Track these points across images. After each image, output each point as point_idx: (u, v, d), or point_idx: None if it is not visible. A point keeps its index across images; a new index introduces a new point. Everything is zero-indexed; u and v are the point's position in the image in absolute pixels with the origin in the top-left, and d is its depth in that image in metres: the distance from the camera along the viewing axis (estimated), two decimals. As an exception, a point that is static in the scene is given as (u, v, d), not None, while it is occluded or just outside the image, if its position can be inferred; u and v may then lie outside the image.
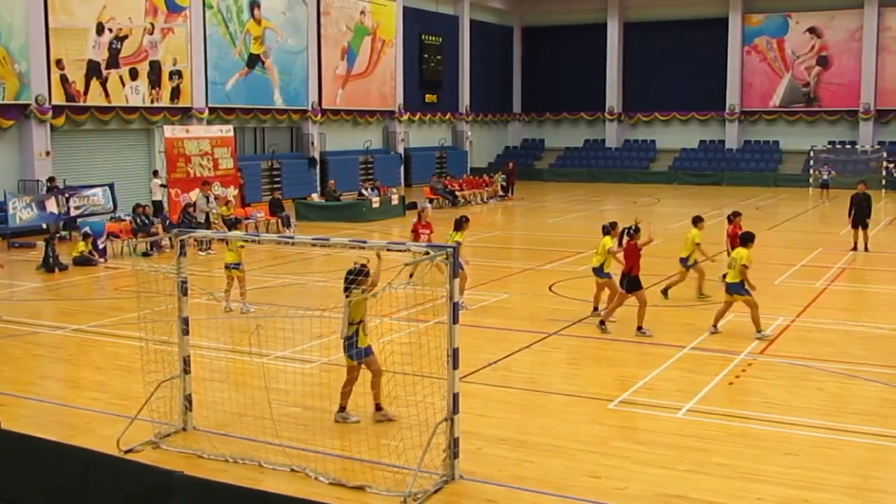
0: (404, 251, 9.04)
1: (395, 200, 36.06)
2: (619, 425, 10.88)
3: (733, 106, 54.88)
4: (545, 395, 12.12)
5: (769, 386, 12.46)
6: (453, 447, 9.02)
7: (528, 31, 61.03)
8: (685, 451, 9.93)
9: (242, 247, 17.25)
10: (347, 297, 10.16)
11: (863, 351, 14.13)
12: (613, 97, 57.95)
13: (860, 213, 25.44)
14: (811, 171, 48.92)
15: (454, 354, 8.87)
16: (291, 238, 11.64)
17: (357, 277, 10.27)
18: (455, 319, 8.80)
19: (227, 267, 17.33)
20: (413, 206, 37.99)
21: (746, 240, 15.19)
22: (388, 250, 9.51)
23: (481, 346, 14.43)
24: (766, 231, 30.72)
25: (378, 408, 10.71)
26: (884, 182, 46.86)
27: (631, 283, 15.36)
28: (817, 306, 17.72)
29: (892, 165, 47.89)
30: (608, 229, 16.56)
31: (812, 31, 53.25)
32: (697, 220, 18.34)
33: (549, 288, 19.74)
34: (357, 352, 10.41)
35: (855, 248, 24.82)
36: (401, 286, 9.24)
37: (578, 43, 58.10)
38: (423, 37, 51.65)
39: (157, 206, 30.35)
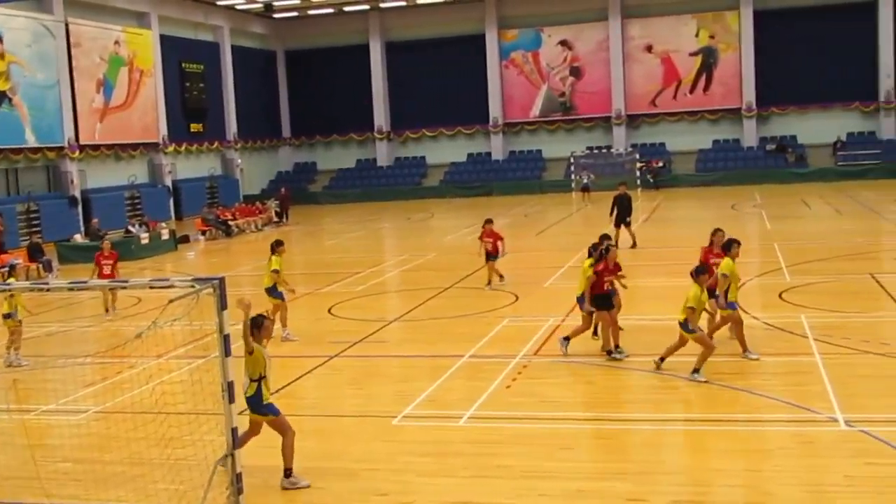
0: (168, 287, 8.77)
1: (165, 235, 34.93)
2: (404, 440, 10.98)
3: (496, 119, 56.87)
4: (331, 419, 12.07)
5: (544, 385, 12.95)
6: (237, 483, 8.81)
7: (291, 55, 60.84)
8: (469, 458, 10.15)
9: (12, 295, 15.99)
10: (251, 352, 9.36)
11: (630, 343, 14.90)
12: (381, 116, 58.69)
13: (622, 213, 27.02)
14: (573, 177, 51.42)
15: (229, 388, 8.68)
16: (46, 284, 11.01)
17: (252, 329, 9.30)
18: (227, 352, 8.61)
19: (3, 317, 16.09)
20: (186, 239, 37.02)
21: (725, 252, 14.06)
22: (150, 287, 9.19)
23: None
24: (534, 237, 32.02)
25: (288, 473, 9.65)
26: (638, 182, 49.89)
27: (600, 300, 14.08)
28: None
29: (644, 166, 51.09)
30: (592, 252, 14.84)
31: (564, 43, 56.06)
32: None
33: (329, 310, 19.70)
34: (268, 406, 9.50)
35: (616, 246, 26.13)
36: (167, 323, 8.97)
37: (343, 64, 58.53)
38: (183, 65, 50.47)
39: None
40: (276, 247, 17.26)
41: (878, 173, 47.72)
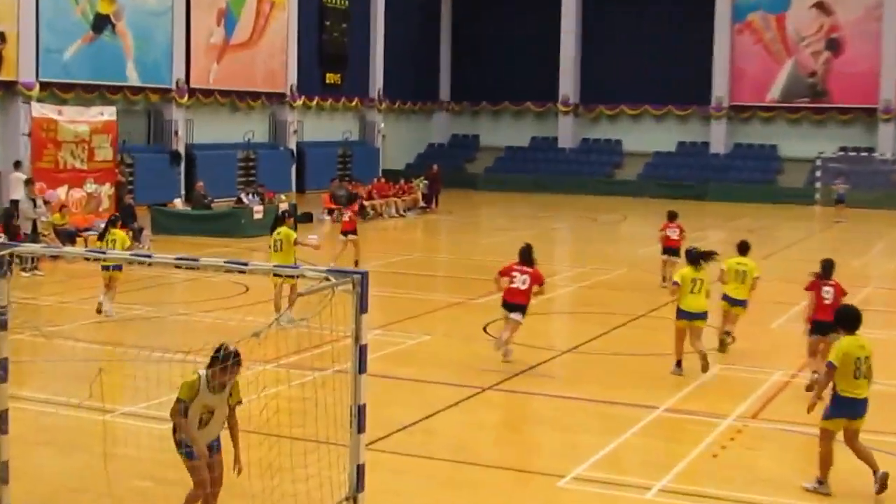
0: (298, 276, 8.97)
1: (283, 209, 35.80)
2: (571, 508, 10.98)
3: (721, 99, 55.95)
4: (476, 469, 12.15)
5: (762, 458, 12.72)
6: (356, 534, 8.96)
7: (461, 1, 61.49)
8: (656, 543, 10.05)
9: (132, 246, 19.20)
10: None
11: (883, 414, 14.37)
12: (569, 84, 58.60)
13: None
14: (818, 184, 50.10)
15: (360, 413, 8.80)
16: (148, 256, 11.40)
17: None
18: (362, 368, 8.74)
19: (106, 268, 19.40)
20: (308, 217, 37.70)
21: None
22: (274, 275, 9.43)
23: (394, 402, 14.41)
24: (761, 260, 31.27)
25: None
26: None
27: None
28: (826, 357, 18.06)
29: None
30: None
31: (820, 6, 54.66)
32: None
33: (484, 329, 19.77)
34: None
35: None
36: (292, 322, 9.19)
37: (525, 17, 58.61)
38: (324, -1, 51.72)
39: (17, 206, 29.94)
40: (285, 218, 21.08)
41: None
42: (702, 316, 16.54)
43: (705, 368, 16.29)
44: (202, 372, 9.31)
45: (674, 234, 24.82)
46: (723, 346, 18.09)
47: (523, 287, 16.70)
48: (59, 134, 31.11)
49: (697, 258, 16.79)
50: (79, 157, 31.60)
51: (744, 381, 16.28)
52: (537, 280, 16.82)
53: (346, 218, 27.52)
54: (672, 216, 25.35)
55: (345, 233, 26.97)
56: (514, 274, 16.76)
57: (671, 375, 16.50)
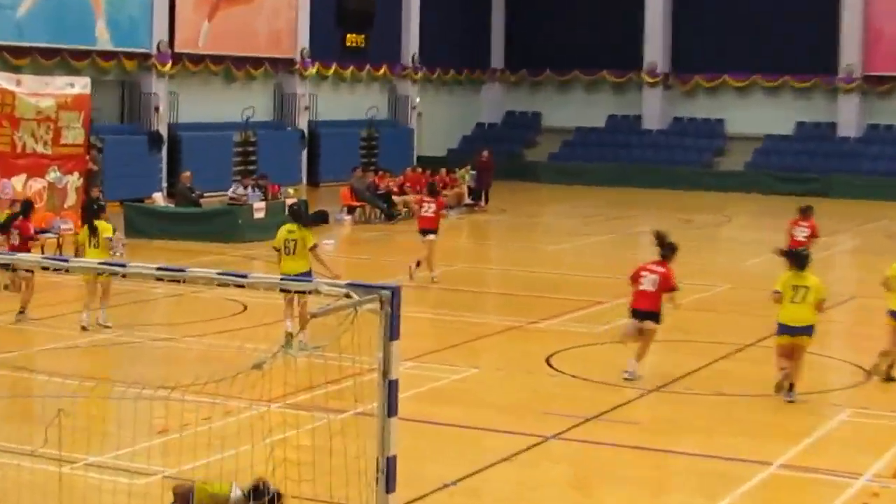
0: (308, 291, 8.99)
1: (292, 205, 35.85)
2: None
3: (851, 68, 55.63)
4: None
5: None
6: None
7: (519, -59, 61.74)
8: None
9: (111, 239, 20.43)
10: None
11: None
12: (656, 49, 58.50)
13: None
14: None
15: (389, 468, 8.80)
16: (122, 265, 11.45)
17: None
18: (392, 409, 8.74)
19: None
20: (322, 217, 37.71)
21: None
22: (280, 290, 9.45)
23: (431, 454, 14.44)
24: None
25: None
26: None
27: None
28: None
29: None
30: None
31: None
32: None
33: (547, 360, 19.78)
34: None
35: None
36: (304, 350, 9.21)
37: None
38: (345, -59, 51.93)
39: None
40: (300, 213, 21.56)
41: None
42: (806, 330, 16.91)
43: (780, 388, 17.02)
44: (236, 493, 9.29)
45: (801, 233, 25.67)
46: (881, 373, 18.34)
47: (651, 290, 17.65)
48: (16, 109, 31.00)
49: (799, 259, 17.47)
50: (41, 140, 31.51)
51: (882, 430, 16.16)
52: (666, 284, 17.94)
53: (429, 212, 27.53)
54: (805, 212, 26.88)
55: (424, 231, 27.15)
56: (643, 273, 18.01)
57: (788, 421, 16.42)
